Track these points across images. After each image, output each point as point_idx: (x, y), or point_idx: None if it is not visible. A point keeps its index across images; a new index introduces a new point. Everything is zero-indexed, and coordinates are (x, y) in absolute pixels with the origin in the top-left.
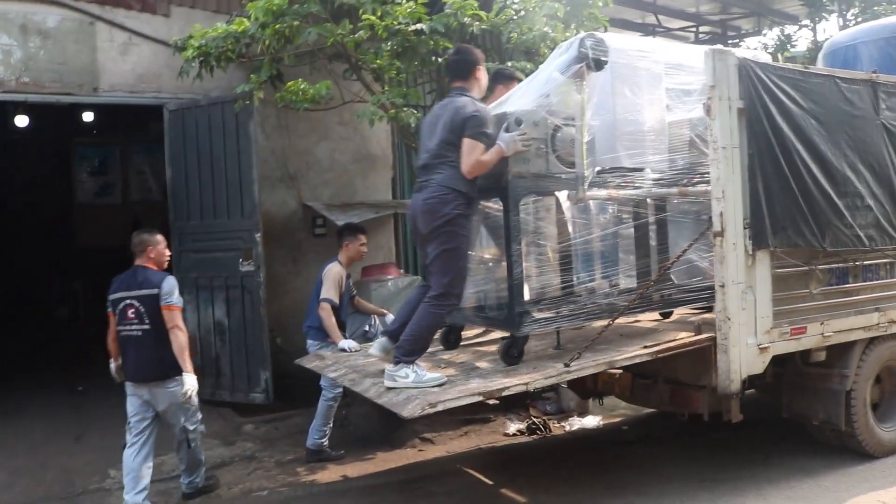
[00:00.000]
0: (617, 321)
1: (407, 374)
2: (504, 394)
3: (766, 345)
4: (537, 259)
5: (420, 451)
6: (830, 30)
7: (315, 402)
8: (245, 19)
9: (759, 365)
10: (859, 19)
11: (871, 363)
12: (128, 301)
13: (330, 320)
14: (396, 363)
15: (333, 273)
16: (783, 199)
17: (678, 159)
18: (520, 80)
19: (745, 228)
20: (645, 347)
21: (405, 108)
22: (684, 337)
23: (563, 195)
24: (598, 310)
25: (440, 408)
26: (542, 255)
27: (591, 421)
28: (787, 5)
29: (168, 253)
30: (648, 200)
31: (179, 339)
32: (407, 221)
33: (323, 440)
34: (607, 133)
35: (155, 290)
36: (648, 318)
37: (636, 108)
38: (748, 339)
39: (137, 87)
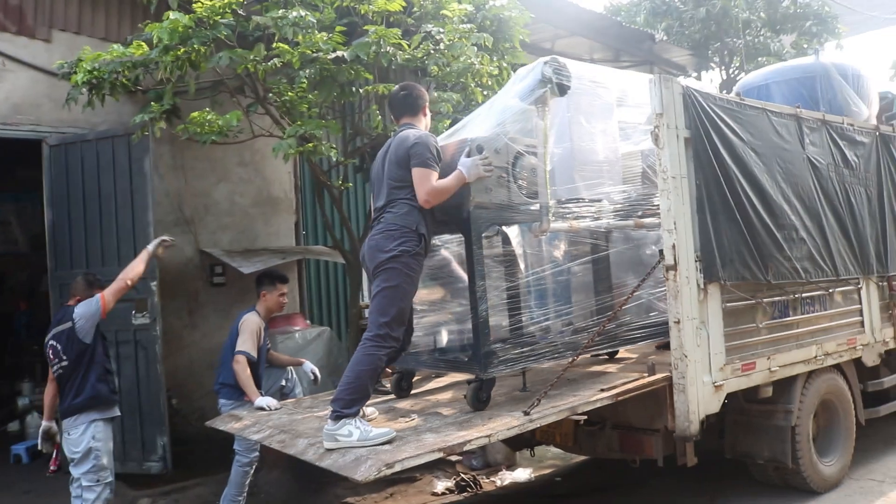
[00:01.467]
0: (558, 364)
1: (350, 433)
2: (466, 448)
3: (721, 382)
4: (496, 296)
5: None
6: (716, 79)
7: (219, 468)
8: (143, 43)
9: (715, 404)
10: (742, 71)
11: (811, 397)
12: (49, 342)
13: (246, 375)
14: (336, 419)
15: (251, 323)
16: (730, 231)
17: (631, 191)
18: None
19: (696, 261)
20: (602, 391)
21: (324, 143)
22: (637, 377)
23: (512, 229)
24: (562, 348)
25: (398, 468)
26: (501, 291)
27: (522, 474)
28: (674, 55)
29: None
30: (608, 233)
31: None
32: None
33: None
34: (565, 163)
35: (69, 324)
36: (585, 361)
37: (591, 138)
38: (704, 377)
39: (11, 119)
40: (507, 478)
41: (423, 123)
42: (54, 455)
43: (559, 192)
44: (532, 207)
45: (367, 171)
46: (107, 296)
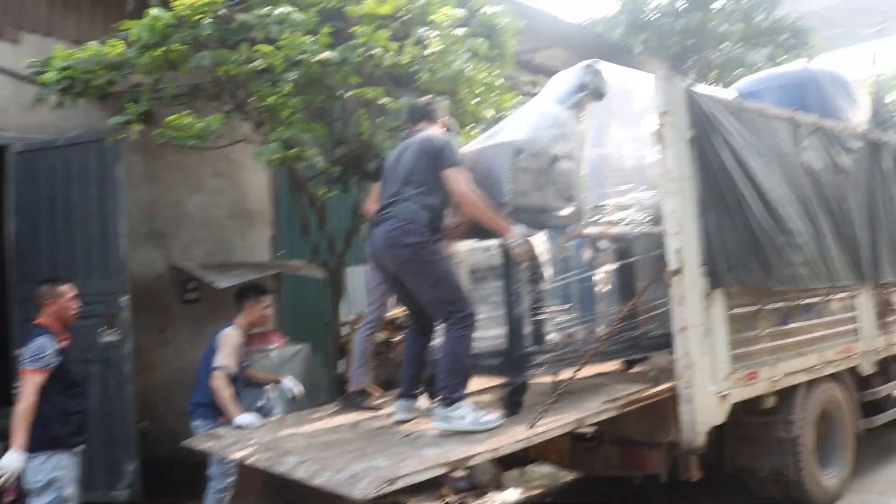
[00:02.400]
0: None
1: (464, 415)
2: (471, 462)
3: (726, 392)
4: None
5: None
6: None
7: (191, 495)
8: (121, 42)
9: (720, 415)
10: (720, 84)
11: (811, 407)
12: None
13: (226, 392)
14: (449, 403)
15: (231, 337)
16: (734, 235)
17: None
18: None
19: (701, 266)
20: (607, 402)
21: (308, 148)
22: (640, 388)
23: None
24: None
25: (400, 484)
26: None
27: (512, 495)
28: (652, 69)
29: (74, 307)
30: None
31: (16, 408)
32: (367, 256)
33: None
34: (597, 168)
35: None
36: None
37: (622, 145)
38: (709, 386)
39: None
40: (495, 500)
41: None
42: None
43: (591, 197)
44: (566, 212)
45: (348, 182)
46: None
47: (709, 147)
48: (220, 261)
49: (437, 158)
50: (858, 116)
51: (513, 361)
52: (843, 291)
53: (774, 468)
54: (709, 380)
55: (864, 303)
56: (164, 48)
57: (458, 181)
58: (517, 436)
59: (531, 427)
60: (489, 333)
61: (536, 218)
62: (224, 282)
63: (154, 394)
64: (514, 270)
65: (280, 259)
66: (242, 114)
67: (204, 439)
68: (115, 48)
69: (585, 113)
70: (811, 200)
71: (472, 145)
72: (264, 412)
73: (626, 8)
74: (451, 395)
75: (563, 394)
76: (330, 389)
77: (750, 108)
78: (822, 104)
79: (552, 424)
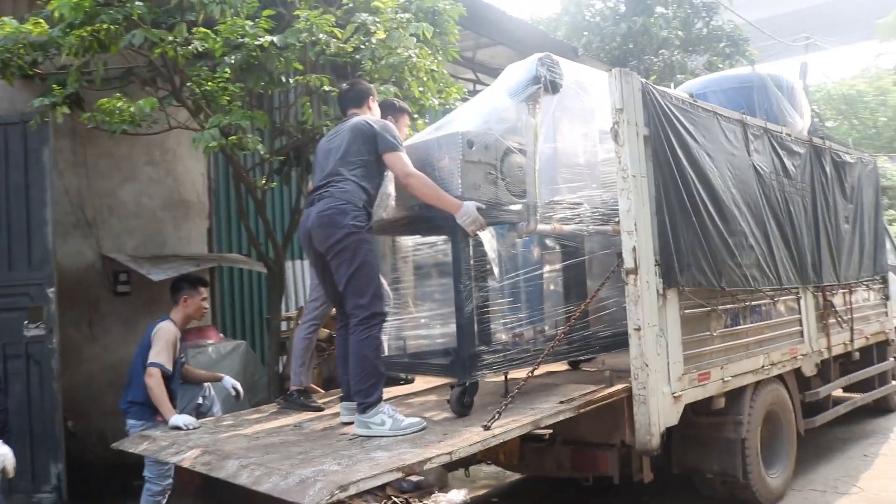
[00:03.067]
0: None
1: (383, 421)
2: (427, 466)
3: (679, 393)
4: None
5: None
6: None
7: (121, 499)
8: (42, 20)
9: (674, 416)
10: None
11: (758, 408)
12: None
13: (160, 390)
14: (365, 409)
15: (166, 332)
16: (687, 235)
17: (609, 197)
18: (410, 114)
19: (655, 265)
20: (562, 402)
21: (248, 135)
22: (594, 389)
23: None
24: (539, 354)
25: (353, 490)
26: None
27: (457, 496)
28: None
29: None
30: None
31: None
32: (299, 239)
33: None
34: (548, 164)
35: None
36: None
37: (573, 141)
38: (664, 387)
39: None
40: (440, 500)
41: (370, 116)
42: None
43: (542, 193)
44: (517, 207)
45: (288, 174)
46: None
47: (663, 145)
48: (153, 252)
49: (374, 142)
50: (802, 121)
51: (462, 361)
52: (789, 294)
53: (723, 468)
54: (663, 381)
55: (807, 305)
56: (91, 27)
57: (402, 163)
58: (472, 438)
59: (487, 429)
60: (433, 332)
61: (487, 213)
62: (159, 274)
63: (81, 392)
64: (463, 266)
65: (217, 252)
66: (178, 100)
67: (137, 441)
68: (36, 27)
69: (539, 106)
70: (760, 203)
71: (419, 136)
72: (202, 411)
73: (568, 9)
74: (366, 399)
75: (513, 395)
76: (269, 388)
77: (703, 108)
78: (768, 108)
79: (508, 426)
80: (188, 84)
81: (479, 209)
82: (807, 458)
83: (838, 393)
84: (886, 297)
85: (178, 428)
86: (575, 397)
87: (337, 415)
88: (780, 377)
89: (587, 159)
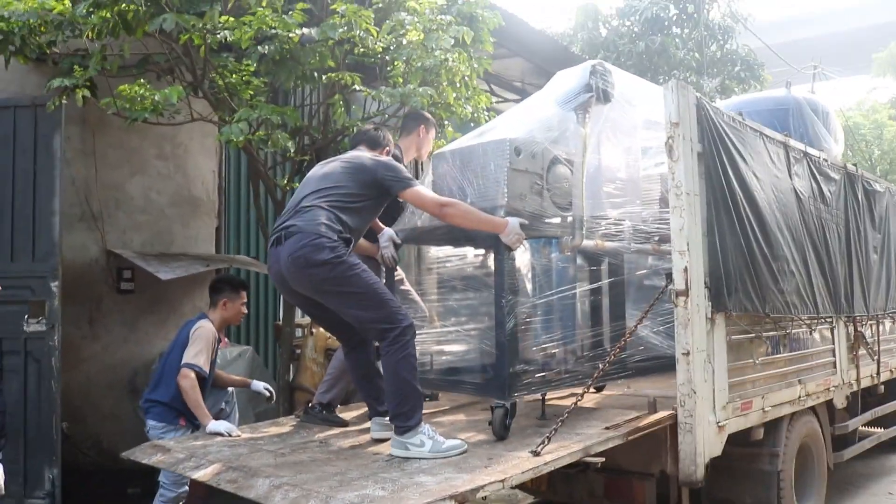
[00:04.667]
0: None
1: (422, 442)
2: (480, 494)
3: (724, 422)
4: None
5: None
6: None
7: None
8: None
9: (718, 446)
10: None
11: (793, 440)
12: None
13: (196, 394)
14: (405, 431)
15: (207, 333)
16: (736, 258)
17: (647, 215)
18: (436, 126)
19: (705, 287)
20: (607, 428)
21: (278, 131)
22: (637, 415)
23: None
24: (580, 374)
25: None
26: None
27: None
28: None
29: None
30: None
31: None
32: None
33: None
34: (592, 178)
35: None
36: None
37: (617, 155)
38: (709, 416)
39: None
40: None
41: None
42: None
43: (588, 206)
44: (561, 220)
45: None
46: None
47: (716, 162)
48: (159, 250)
49: (377, 182)
50: (837, 147)
51: (502, 380)
52: (824, 323)
53: (756, 502)
54: (709, 409)
55: (840, 336)
56: (118, 7)
57: (429, 196)
58: (523, 465)
59: (536, 455)
60: (462, 348)
61: (530, 225)
62: (168, 273)
63: (78, 392)
64: (507, 281)
65: (226, 254)
66: (202, 91)
67: (150, 452)
68: (61, 3)
69: (589, 116)
70: (800, 228)
71: (460, 142)
72: (222, 417)
73: (585, 25)
74: (406, 423)
75: (551, 418)
76: (280, 398)
77: (751, 128)
78: (803, 132)
79: (558, 453)
80: (211, 75)
81: (521, 225)
82: (831, 494)
83: (861, 427)
84: None
85: (218, 434)
86: (620, 423)
87: (362, 431)
88: (812, 409)
89: (629, 174)
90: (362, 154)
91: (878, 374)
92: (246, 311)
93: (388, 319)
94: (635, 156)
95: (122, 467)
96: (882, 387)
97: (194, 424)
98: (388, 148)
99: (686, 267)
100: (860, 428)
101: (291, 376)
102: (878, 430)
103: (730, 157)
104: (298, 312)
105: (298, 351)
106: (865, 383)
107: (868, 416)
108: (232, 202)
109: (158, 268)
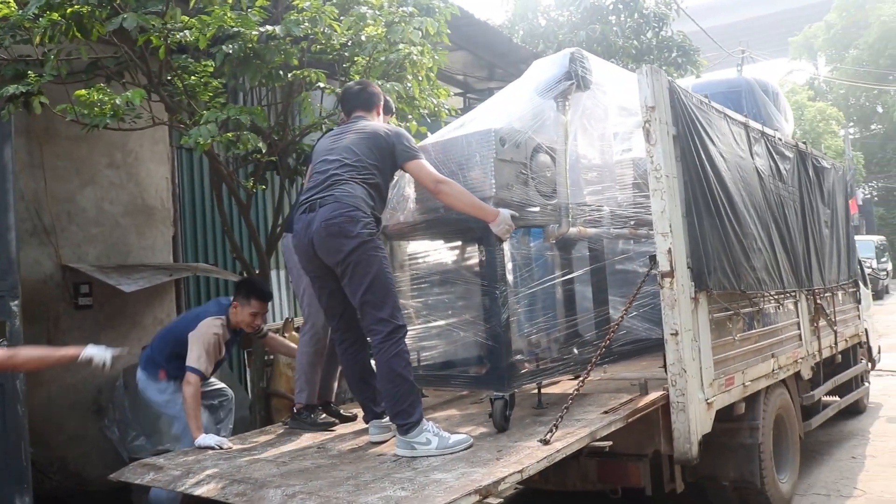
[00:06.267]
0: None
1: (428, 440)
2: (501, 487)
3: (712, 399)
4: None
5: None
6: None
7: None
8: (11, 1)
9: (708, 423)
10: None
11: (770, 412)
12: None
13: (195, 402)
14: (407, 430)
15: (209, 335)
16: (712, 237)
17: (622, 199)
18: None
19: (687, 268)
20: (605, 413)
21: (247, 132)
22: (632, 397)
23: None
24: (572, 362)
25: None
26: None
27: None
28: None
29: None
30: (604, 241)
31: None
32: (283, 254)
33: None
34: (571, 166)
35: None
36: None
37: (591, 142)
38: (698, 393)
39: None
40: None
41: (377, 122)
42: None
43: (571, 194)
44: (545, 209)
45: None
46: None
47: (689, 144)
48: (116, 262)
49: (391, 152)
50: (787, 126)
51: (500, 372)
52: (789, 297)
53: (740, 475)
54: (698, 387)
55: (802, 309)
56: (71, 9)
57: (428, 171)
58: (536, 454)
59: (546, 443)
60: (449, 343)
61: (520, 213)
62: (131, 285)
63: (40, 416)
64: (498, 272)
65: (184, 261)
66: (158, 94)
67: (140, 471)
68: (6, 6)
69: (569, 103)
70: (763, 206)
71: (440, 134)
72: (217, 419)
73: (525, 16)
74: (408, 420)
75: (546, 406)
76: (254, 406)
77: (715, 109)
78: (756, 113)
79: (567, 440)
80: (168, 77)
81: (511, 216)
82: (801, 462)
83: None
84: (858, 301)
85: (209, 448)
86: (617, 406)
87: (359, 432)
88: (783, 381)
89: (604, 160)
90: (373, 123)
91: (835, 343)
92: (259, 324)
93: (389, 313)
94: (608, 142)
95: (89, 491)
96: (840, 356)
97: (176, 377)
98: (382, 100)
99: (670, 248)
100: (822, 397)
101: (265, 383)
102: (836, 398)
103: (701, 140)
104: (269, 317)
105: (271, 356)
106: (826, 353)
107: (829, 384)
108: (187, 209)
109: (120, 280)
